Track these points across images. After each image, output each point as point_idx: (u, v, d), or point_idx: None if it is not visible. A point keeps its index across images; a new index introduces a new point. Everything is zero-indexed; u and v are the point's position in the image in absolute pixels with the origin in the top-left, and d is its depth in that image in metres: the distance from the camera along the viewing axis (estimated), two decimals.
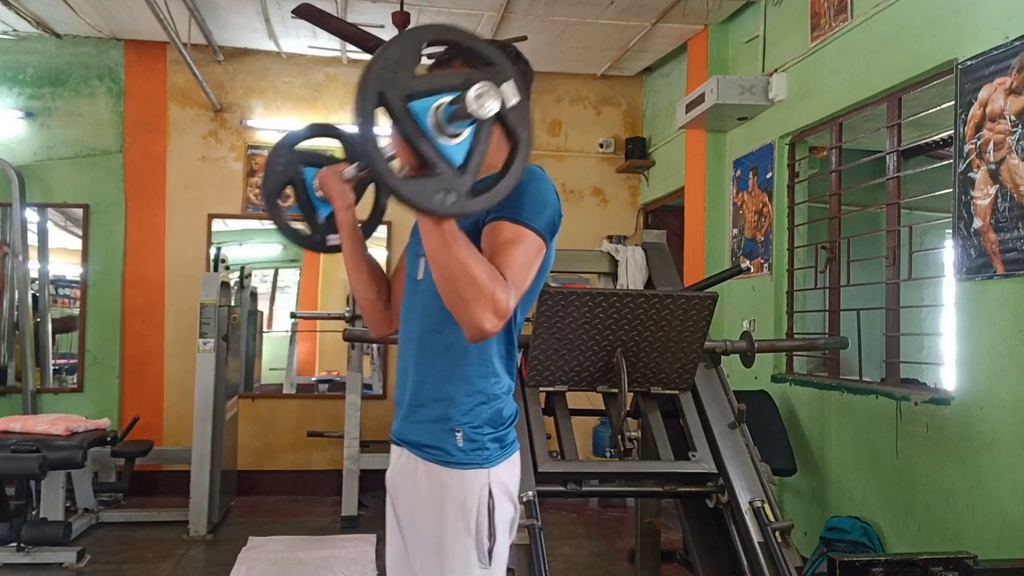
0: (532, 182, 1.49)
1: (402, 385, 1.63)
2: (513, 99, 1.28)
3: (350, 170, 1.73)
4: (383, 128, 1.22)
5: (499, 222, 1.45)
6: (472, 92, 1.18)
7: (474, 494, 1.51)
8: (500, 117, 1.26)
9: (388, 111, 1.21)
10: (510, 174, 1.30)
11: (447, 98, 1.24)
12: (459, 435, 1.52)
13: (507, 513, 1.57)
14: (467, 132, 1.26)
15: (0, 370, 5.87)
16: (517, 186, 1.40)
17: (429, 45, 1.27)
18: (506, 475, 1.57)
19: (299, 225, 1.93)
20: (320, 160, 1.85)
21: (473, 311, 1.33)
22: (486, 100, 1.19)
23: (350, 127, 1.94)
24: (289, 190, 1.91)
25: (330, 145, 1.96)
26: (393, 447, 1.66)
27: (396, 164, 1.32)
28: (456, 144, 1.25)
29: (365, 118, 1.19)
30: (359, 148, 1.23)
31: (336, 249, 1.85)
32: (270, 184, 1.90)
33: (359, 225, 1.80)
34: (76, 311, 5.98)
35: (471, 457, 1.52)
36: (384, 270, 1.84)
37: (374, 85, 1.20)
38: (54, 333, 6.08)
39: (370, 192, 1.94)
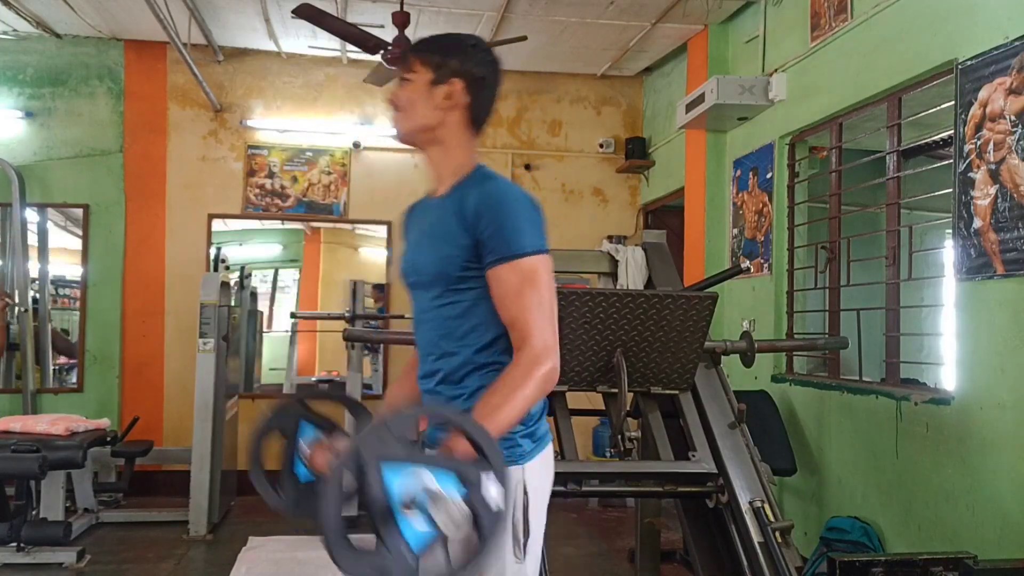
0: (499, 208, 1.51)
1: (428, 398, 1.65)
2: (495, 504, 1.25)
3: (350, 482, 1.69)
4: None
5: (497, 269, 1.49)
6: (448, 511, 1.18)
7: (509, 492, 1.52)
8: (475, 517, 1.23)
9: (359, 474, 1.19)
10: (468, 567, 1.25)
11: (426, 477, 1.20)
12: None
13: (541, 507, 1.60)
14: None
15: None
16: (489, 217, 1.47)
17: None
18: (540, 469, 1.60)
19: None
20: (322, 423, 1.78)
21: (546, 392, 1.50)
22: (457, 519, 1.19)
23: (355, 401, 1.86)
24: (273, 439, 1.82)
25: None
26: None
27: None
28: (418, 530, 1.20)
29: (330, 503, 1.20)
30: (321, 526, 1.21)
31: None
32: (260, 430, 1.79)
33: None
34: (76, 312, 5.98)
35: (506, 455, 1.53)
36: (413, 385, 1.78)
37: (353, 447, 1.21)
38: (54, 352, 6.06)
39: None
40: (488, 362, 1.57)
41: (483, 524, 1.23)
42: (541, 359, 1.45)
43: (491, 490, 1.25)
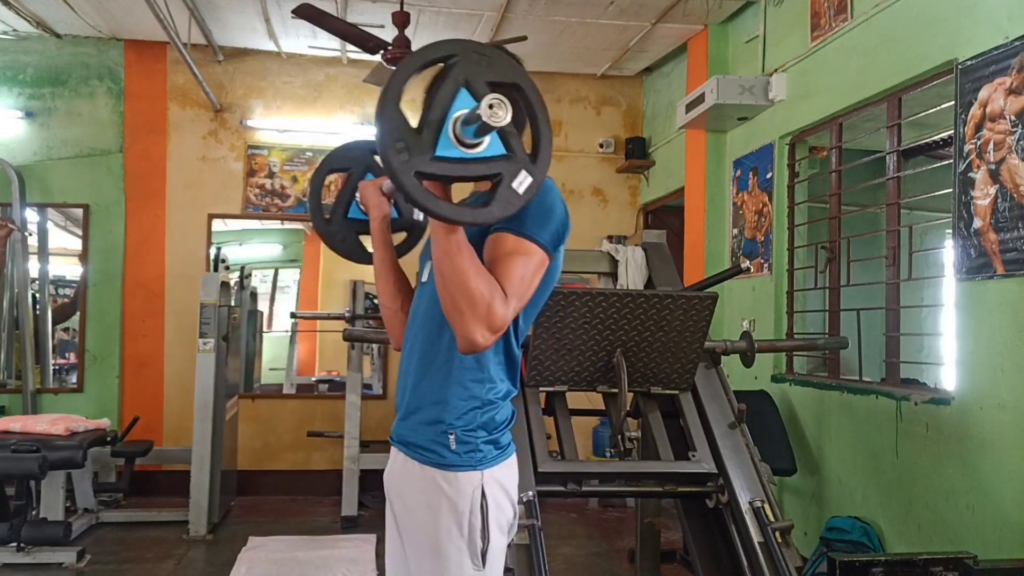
0: (539, 196, 1.49)
1: (402, 386, 1.65)
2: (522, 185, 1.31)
3: (388, 183, 1.78)
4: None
5: (501, 234, 1.46)
6: (485, 102, 1.20)
7: (467, 496, 1.51)
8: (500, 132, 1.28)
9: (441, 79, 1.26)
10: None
11: (465, 110, 1.26)
12: (452, 438, 1.53)
13: (503, 514, 1.57)
14: (487, 141, 1.28)
15: None
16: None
17: (434, 62, 1.29)
18: (502, 476, 1.57)
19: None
20: (345, 202, 1.94)
21: (467, 323, 1.36)
22: (498, 110, 1.21)
23: (337, 150, 1.98)
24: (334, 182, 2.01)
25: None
26: (392, 448, 1.67)
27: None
28: (475, 153, 1.28)
29: (386, 122, 1.23)
30: (380, 154, 1.25)
31: (406, 248, 1.93)
32: (333, 162, 1.98)
33: (392, 239, 1.85)
34: (76, 299, 5.98)
35: (464, 459, 1.53)
36: (410, 284, 1.84)
37: (394, 95, 1.23)
38: (53, 322, 6.07)
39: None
40: (472, 363, 1.55)
41: (500, 190, 1.29)
42: (497, 307, 1.37)
43: (521, 176, 1.30)
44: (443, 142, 1.26)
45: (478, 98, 1.25)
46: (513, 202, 1.30)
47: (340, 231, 1.93)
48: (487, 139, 1.28)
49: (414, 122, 1.26)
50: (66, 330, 6.25)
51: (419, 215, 1.97)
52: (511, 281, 1.41)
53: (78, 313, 5.94)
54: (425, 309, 1.60)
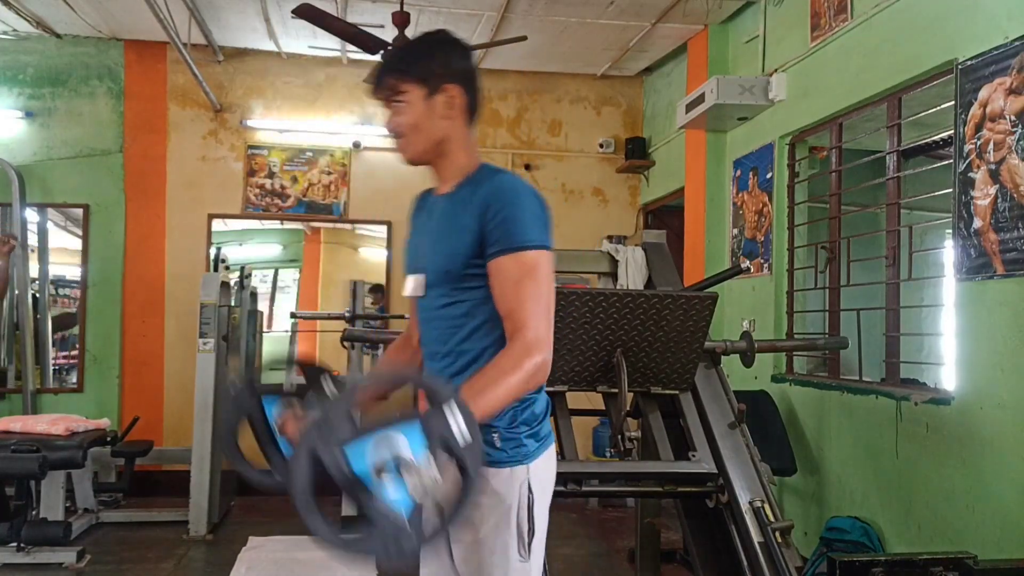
0: (508, 201, 1.50)
1: None
2: (464, 438, 1.22)
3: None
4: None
5: (498, 261, 1.48)
6: (422, 478, 1.16)
7: (515, 490, 1.54)
8: (453, 454, 1.21)
9: (322, 464, 1.19)
10: (458, 511, 1.23)
11: (389, 443, 1.18)
12: (496, 436, 1.54)
13: (545, 505, 1.60)
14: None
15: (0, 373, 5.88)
16: (496, 209, 1.47)
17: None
18: (544, 468, 1.60)
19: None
20: (286, 391, 1.72)
21: (535, 385, 1.46)
22: (427, 485, 1.17)
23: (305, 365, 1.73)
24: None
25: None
26: None
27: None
28: (396, 496, 1.19)
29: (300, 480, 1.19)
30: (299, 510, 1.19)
31: None
32: (228, 424, 1.73)
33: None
34: (75, 310, 5.98)
35: (511, 455, 1.55)
36: (412, 347, 1.78)
37: (306, 440, 1.19)
38: (53, 331, 6.08)
39: None
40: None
41: (463, 462, 1.21)
42: (532, 350, 1.42)
43: (456, 424, 1.21)
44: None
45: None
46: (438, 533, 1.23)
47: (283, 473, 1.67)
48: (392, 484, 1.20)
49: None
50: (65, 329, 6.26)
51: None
52: (529, 304, 1.45)
53: (78, 313, 5.93)
54: (440, 329, 1.61)
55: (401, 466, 1.18)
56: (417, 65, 1.57)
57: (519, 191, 1.52)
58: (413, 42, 1.66)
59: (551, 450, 1.64)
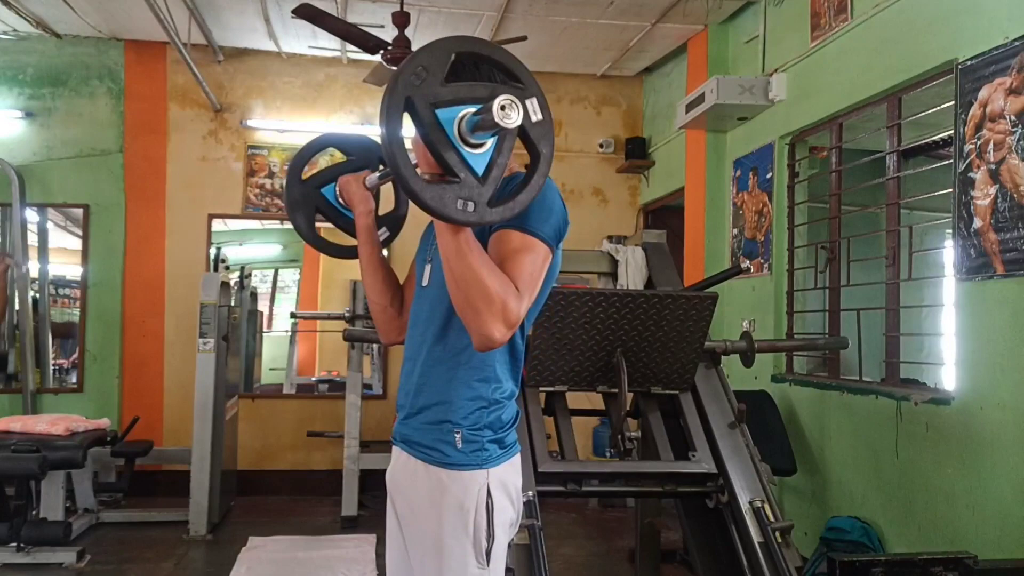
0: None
1: (405, 387, 1.64)
2: (536, 115, 1.30)
3: (372, 178, 1.79)
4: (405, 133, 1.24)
5: (506, 231, 1.46)
6: (497, 103, 1.19)
7: (472, 494, 1.52)
8: (523, 130, 1.28)
9: (415, 118, 1.24)
10: (529, 188, 1.32)
11: (472, 108, 1.25)
12: (458, 436, 1.53)
13: (506, 513, 1.57)
14: (490, 143, 1.28)
15: (1, 357, 5.86)
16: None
17: (458, 56, 1.29)
18: (506, 476, 1.58)
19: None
20: (329, 176, 1.95)
21: (484, 320, 1.35)
22: (510, 112, 1.20)
23: (344, 134, 1.98)
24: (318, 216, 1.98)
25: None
26: (394, 447, 1.67)
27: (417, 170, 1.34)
28: (478, 154, 1.28)
29: (392, 123, 1.22)
30: (385, 153, 1.24)
31: (388, 242, 1.92)
32: (301, 218, 1.95)
33: (379, 231, 1.86)
34: (76, 312, 5.98)
35: (470, 458, 1.53)
36: (398, 278, 1.85)
37: (402, 91, 1.22)
38: (53, 336, 6.08)
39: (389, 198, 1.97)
40: (479, 362, 1.55)
41: (531, 135, 1.29)
42: (511, 303, 1.37)
43: (535, 103, 1.30)
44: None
45: (482, 98, 1.25)
46: (520, 200, 1.31)
47: (306, 193, 1.93)
48: (490, 140, 1.28)
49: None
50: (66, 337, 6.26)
51: (400, 212, 1.98)
52: (521, 277, 1.41)
53: (78, 313, 5.93)
54: (428, 312, 1.60)
55: (480, 122, 1.23)
56: (501, 65, 1.59)
57: (547, 188, 1.51)
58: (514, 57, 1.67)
59: (516, 460, 1.61)
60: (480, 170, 1.27)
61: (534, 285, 1.46)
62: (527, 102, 1.28)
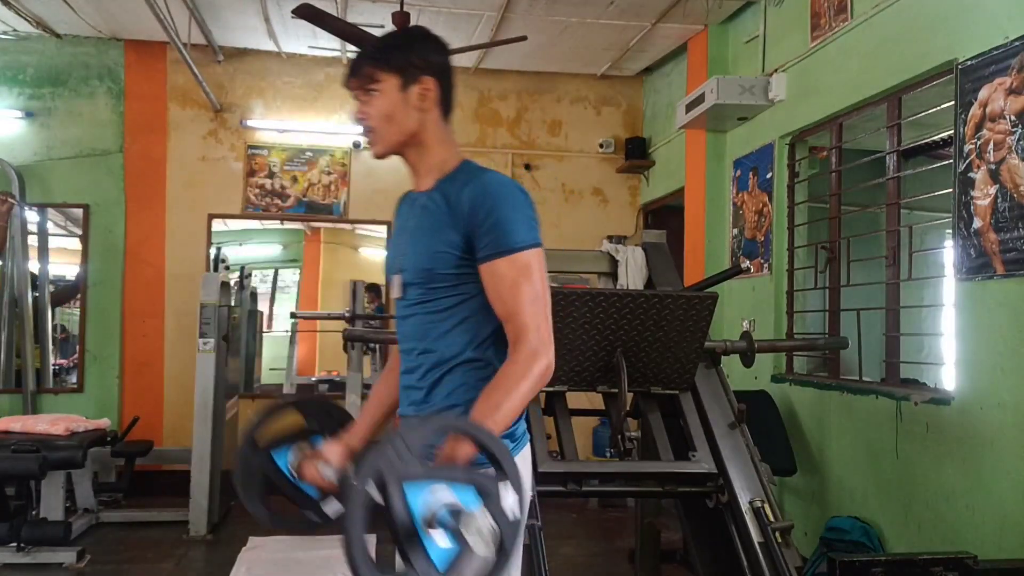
0: (496, 202, 1.49)
1: (408, 398, 1.63)
2: (512, 514, 1.24)
3: (328, 474, 1.67)
4: None
5: (492, 264, 1.47)
6: (475, 527, 1.17)
7: (525, 497, 1.51)
8: (497, 524, 1.21)
9: (383, 495, 1.17)
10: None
11: (444, 489, 1.19)
12: None
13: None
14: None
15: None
16: (484, 210, 1.46)
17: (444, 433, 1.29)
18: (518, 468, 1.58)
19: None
20: (282, 440, 1.74)
21: (542, 386, 1.49)
22: (478, 541, 1.17)
23: (305, 397, 1.81)
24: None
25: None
26: None
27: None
28: (442, 548, 1.18)
29: (355, 526, 1.15)
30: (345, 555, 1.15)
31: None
32: (251, 491, 1.78)
33: None
34: (76, 312, 5.99)
35: None
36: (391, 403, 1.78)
37: (373, 466, 1.17)
38: (53, 306, 6.06)
39: None
40: (473, 358, 1.55)
41: (503, 536, 1.20)
42: (539, 354, 1.44)
43: (508, 499, 1.23)
44: (432, 549, 1.17)
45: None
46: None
47: (254, 465, 1.74)
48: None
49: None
50: (64, 332, 6.26)
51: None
52: (527, 310, 1.45)
53: (78, 313, 5.93)
54: (414, 328, 1.60)
55: (456, 517, 1.18)
56: (394, 55, 1.57)
57: (506, 190, 1.51)
58: (391, 34, 1.66)
59: (526, 451, 1.62)
60: (440, 565, 1.17)
61: (544, 300, 1.49)
62: (503, 501, 1.22)
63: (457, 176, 1.57)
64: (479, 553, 1.17)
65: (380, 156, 1.62)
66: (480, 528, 1.17)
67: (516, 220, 1.48)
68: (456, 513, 1.18)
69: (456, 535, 1.17)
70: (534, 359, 1.43)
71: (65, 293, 6.19)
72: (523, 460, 1.61)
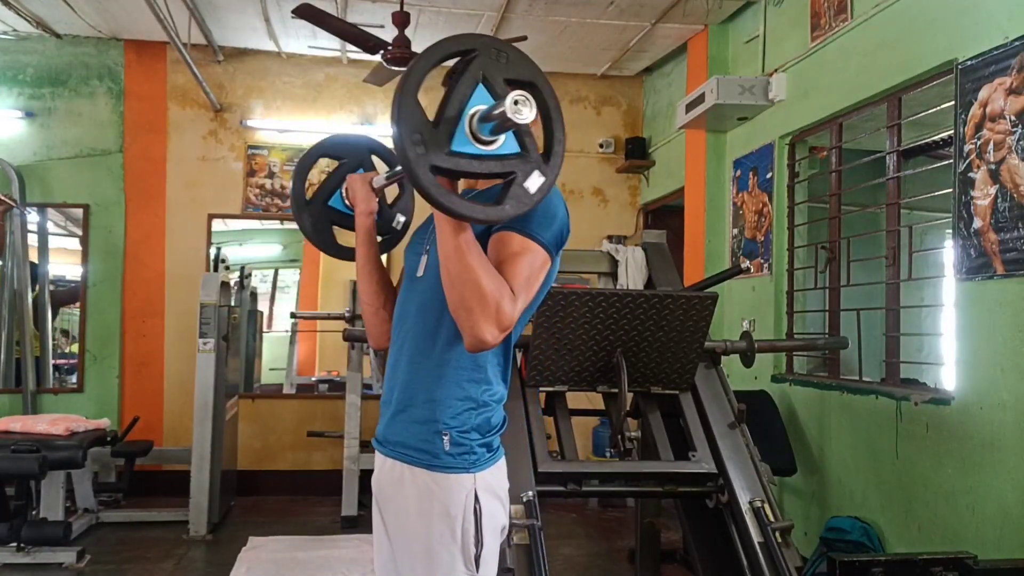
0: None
1: (390, 385, 1.61)
2: (534, 188, 1.31)
3: (379, 179, 1.78)
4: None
5: (506, 233, 1.45)
6: (511, 99, 1.19)
7: (459, 500, 1.49)
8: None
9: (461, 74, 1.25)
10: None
11: (482, 106, 1.25)
12: (446, 439, 1.50)
13: (496, 518, 1.55)
14: (502, 139, 1.28)
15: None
16: None
17: (451, 56, 1.28)
18: (493, 479, 1.56)
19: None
20: (331, 187, 1.95)
21: (476, 321, 1.35)
22: (522, 108, 1.20)
23: (325, 140, 1.99)
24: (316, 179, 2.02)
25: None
26: (377, 453, 1.63)
27: None
28: (491, 150, 1.27)
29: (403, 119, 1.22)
30: (396, 152, 1.24)
31: (406, 228, 1.94)
32: (327, 148, 2.01)
33: (377, 235, 1.84)
34: (76, 312, 5.99)
35: (458, 461, 1.51)
36: (392, 282, 1.83)
37: (413, 87, 1.22)
38: (55, 305, 6.07)
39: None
40: (473, 369, 1.54)
41: (512, 188, 1.28)
42: (510, 299, 1.38)
43: (533, 176, 1.29)
44: (459, 137, 1.25)
45: (496, 95, 1.25)
46: (525, 201, 1.30)
47: (316, 215, 1.91)
48: (502, 137, 1.27)
49: (430, 115, 1.24)
50: (65, 333, 6.25)
51: (399, 221, 1.97)
52: (518, 280, 1.41)
53: (78, 313, 5.93)
54: (419, 306, 1.58)
55: (491, 118, 1.23)
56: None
57: (551, 193, 1.49)
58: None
59: (502, 463, 1.60)
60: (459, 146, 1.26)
61: (530, 289, 1.45)
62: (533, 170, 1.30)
63: None
64: (509, 113, 1.20)
65: None
66: (512, 107, 1.20)
67: (546, 218, 1.48)
68: (496, 106, 1.23)
69: (491, 121, 1.24)
70: (507, 297, 1.38)
71: (67, 295, 6.19)
72: (500, 471, 1.59)
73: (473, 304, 1.35)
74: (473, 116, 1.25)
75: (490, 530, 1.52)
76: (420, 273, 1.61)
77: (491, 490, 1.54)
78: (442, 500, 1.49)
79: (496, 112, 1.22)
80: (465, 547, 1.49)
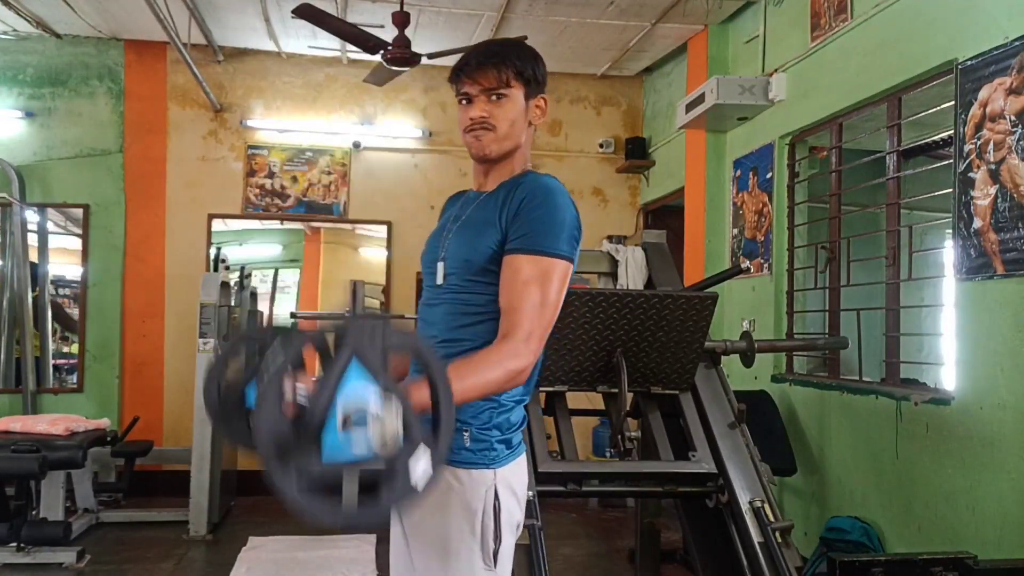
0: (544, 202, 1.49)
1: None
2: (414, 479, 1.15)
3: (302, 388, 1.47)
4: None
5: (515, 257, 1.47)
6: (371, 411, 1.11)
7: (480, 495, 1.50)
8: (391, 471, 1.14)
9: (324, 353, 1.17)
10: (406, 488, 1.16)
11: (352, 399, 1.12)
12: (466, 435, 1.51)
13: (513, 515, 1.56)
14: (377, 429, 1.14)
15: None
16: (531, 207, 1.46)
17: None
18: (512, 476, 1.56)
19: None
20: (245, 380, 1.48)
21: (510, 388, 1.48)
22: (387, 418, 1.11)
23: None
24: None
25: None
26: None
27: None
28: (340, 442, 1.12)
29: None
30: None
31: None
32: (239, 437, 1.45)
33: None
34: (75, 312, 5.98)
35: (478, 457, 1.52)
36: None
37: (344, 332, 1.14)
38: (53, 320, 6.06)
39: None
40: None
41: (395, 485, 1.12)
42: (519, 354, 1.42)
43: (420, 464, 1.14)
44: (329, 439, 1.10)
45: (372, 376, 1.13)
46: (408, 494, 1.15)
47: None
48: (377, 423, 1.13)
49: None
50: (65, 339, 6.25)
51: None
52: (528, 314, 1.44)
53: (78, 313, 5.93)
54: (443, 313, 1.59)
55: (372, 420, 1.10)
56: (527, 67, 1.58)
57: (556, 198, 1.51)
58: (521, 44, 1.65)
59: (522, 460, 1.61)
60: (328, 455, 1.11)
61: (551, 311, 1.48)
62: (417, 454, 1.14)
63: (519, 180, 1.58)
64: (374, 449, 1.09)
65: (485, 159, 1.61)
66: (385, 434, 1.10)
67: (554, 226, 1.48)
68: (375, 419, 1.10)
69: (359, 434, 1.10)
70: (513, 356, 1.41)
71: (64, 320, 6.15)
72: (519, 467, 1.60)
73: (501, 389, 1.46)
74: (346, 415, 1.11)
75: (507, 526, 1.53)
76: (440, 281, 1.61)
77: (510, 487, 1.55)
78: (462, 495, 1.50)
79: (360, 418, 1.10)
80: (484, 543, 1.49)
